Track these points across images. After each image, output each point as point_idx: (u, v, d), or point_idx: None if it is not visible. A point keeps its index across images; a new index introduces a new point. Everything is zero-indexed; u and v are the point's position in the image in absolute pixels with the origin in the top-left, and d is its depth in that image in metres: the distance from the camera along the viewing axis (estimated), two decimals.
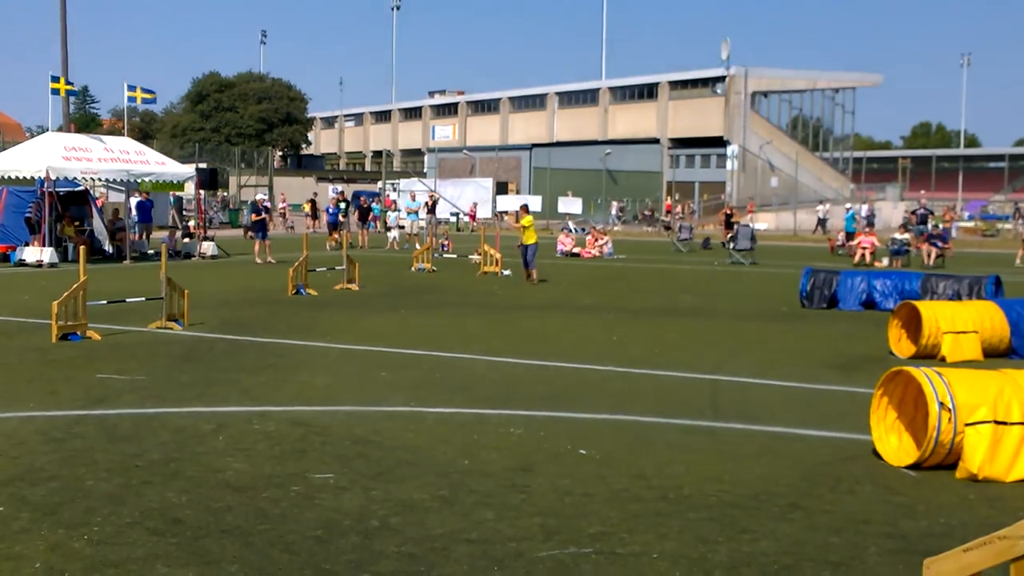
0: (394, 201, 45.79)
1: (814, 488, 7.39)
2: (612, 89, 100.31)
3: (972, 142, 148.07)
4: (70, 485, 7.14)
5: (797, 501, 7.06)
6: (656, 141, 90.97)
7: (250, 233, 35.41)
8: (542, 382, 11.69)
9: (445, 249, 35.83)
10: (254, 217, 32.27)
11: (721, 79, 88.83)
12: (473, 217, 59.69)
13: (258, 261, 30.17)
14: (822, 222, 61.00)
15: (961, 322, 13.77)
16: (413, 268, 28.29)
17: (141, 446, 8.25)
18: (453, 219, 60.92)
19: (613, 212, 69.32)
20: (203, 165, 43.15)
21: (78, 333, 14.08)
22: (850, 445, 8.71)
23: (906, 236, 34.99)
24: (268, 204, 37.76)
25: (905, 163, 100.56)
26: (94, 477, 7.34)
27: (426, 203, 43.93)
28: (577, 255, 37.14)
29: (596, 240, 38.46)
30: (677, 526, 6.46)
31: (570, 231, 46.00)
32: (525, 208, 27.65)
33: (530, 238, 24.95)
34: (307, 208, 52.85)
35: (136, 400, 10.16)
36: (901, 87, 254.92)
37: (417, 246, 33.70)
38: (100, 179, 31.18)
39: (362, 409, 9.93)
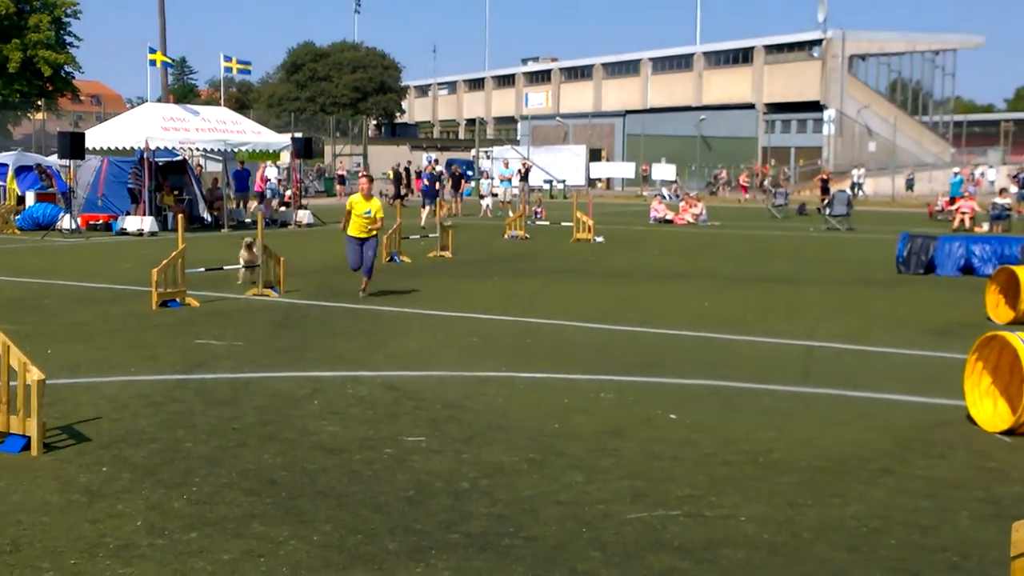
0: (487, 172, 45.83)
1: (906, 453, 7.31)
2: (706, 54, 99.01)
3: None
4: (170, 447, 7.35)
5: (888, 466, 7.00)
6: (751, 106, 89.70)
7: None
8: (633, 348, 11.70)
9: (538, 216, 35.86)
10: (427, 183, 36.29)
11: (818, 42, 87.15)
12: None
13: (423, 225, 30.95)
14: (856, 186, 59.97)
15: None
16: (506, 236, 28.33)
17: (238, 409, 8.45)
18: (546, 186, 60.78)
19: (670, 177, 62.37)
20: (298, 134, 43.65)
21: (177, 300, 14.40)
22: (944, 411, 8.59)
23: (1007, 201, 34.07)
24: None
25: (1008, 126, 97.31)
26: (192, 439, 7.55)
27: (519, 171, 43.92)
28: (670, 222, 36.90)
29: (690, 207, 38.13)
30: (766, 490, 6.45)
31: (663, 197, 45.64)
32: (368, 180, 16.22)
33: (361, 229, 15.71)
34: (390, 175, 53.01)
35: (233, 365, 10.40)
36: (1004, 48, 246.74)
37: (510, 213, 33.76)
38: (198, 149, 31.73)
39: (454, 374, 10.04)
